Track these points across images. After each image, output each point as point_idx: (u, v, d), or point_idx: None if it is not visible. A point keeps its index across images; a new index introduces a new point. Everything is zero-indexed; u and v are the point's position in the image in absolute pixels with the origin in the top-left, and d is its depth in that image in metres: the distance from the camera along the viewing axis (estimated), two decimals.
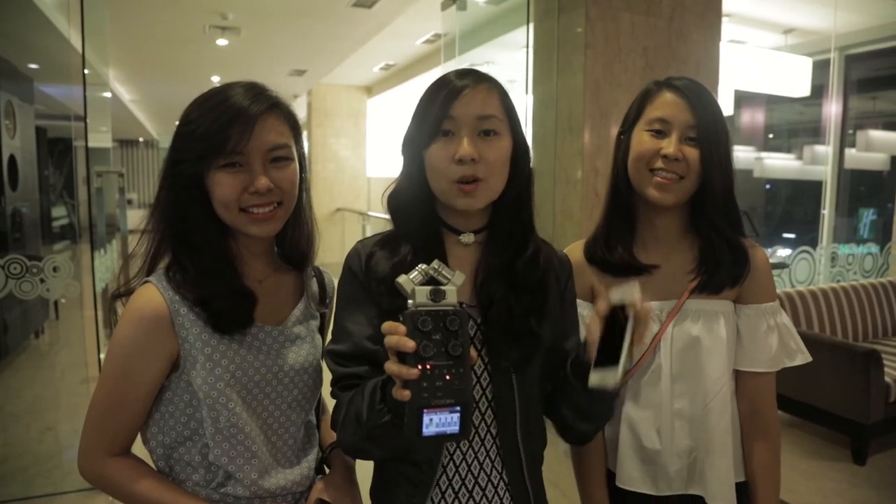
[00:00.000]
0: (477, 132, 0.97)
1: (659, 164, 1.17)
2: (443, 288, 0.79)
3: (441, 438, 0.77)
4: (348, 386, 0.99)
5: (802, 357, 1.25)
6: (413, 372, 0.75)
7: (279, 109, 1.02)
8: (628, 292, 0.93)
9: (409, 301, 0.79)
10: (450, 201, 1.00)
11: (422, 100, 1.02)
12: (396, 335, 0.77)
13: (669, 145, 1.16)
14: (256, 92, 1.01)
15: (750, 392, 1.25)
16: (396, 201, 1.06)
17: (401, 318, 0.78)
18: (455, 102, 0.97)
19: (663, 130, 1.18)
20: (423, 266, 0.81)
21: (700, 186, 1.18)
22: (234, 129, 0.96)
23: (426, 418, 0.75)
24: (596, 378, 0.92)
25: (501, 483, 1.03)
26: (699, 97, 1.18)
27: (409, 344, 0.75)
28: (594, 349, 0.94)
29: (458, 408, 0.76)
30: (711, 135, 1.16)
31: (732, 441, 1.23)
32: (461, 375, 0.76)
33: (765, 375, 1.24)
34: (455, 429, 0.76)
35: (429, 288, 0.78)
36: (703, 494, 1.21)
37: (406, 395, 0.75)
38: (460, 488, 1.02)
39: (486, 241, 1.06)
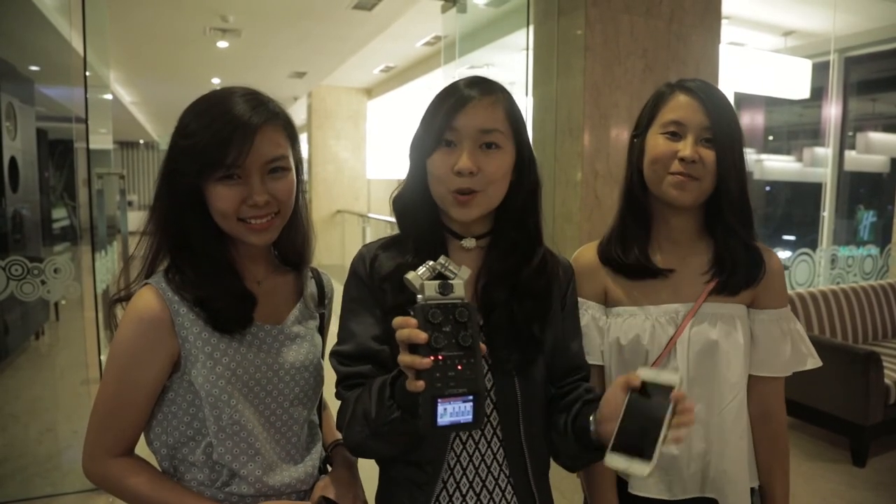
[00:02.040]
0: (478, 144, 0.98)
1: (676, 166, 1.16)
2: (450, 282, 0.81)
3: (455, 428, 0.79)
4: (353, 385, 1.00)
5: (813, 361, 1.26)
6: (426, 361, 0.77)
7: (278, 119, 1.02)
8: (668, 376, 0.87)
9: (419, 296, 0.81)
10: (447, 209, 1.01)
11: (431, 104, 1.03)
12: (408, 328, 0.79)
13: (686, 147, 1.16)
14: (255, 103, 1.00)
15: (761, 396, 1.25)
16: (402, 203, 1.08)
17: (411, 312, 0.80)
18: (459, 114, 0.98)
19: (678, 133, 1.18)
20: (431, 262, 0.84)
21: (716, 188, 1.18)
22: (234, 143, 0.96)
23: (440, 408, 0.77)
24: (618, 462, 0.86)
25: (508, 486, 1.04)
26: (713, 98, 1.18)
27: (422, 335, 0.77)
28: (611, 426, 0.89)
29: (471, 397, 0.78)
30: (726, 136, 1.16)
31: (747, 446, 1.24)
32: (472, 365, 0.78)
33: (776, 380, 1.25)
34: (469, 418, 0.78)
35: (437, 282, 0.81)
36: (717, 498, 1.21)
37: (420, 385, 0.77)
38: (467, 491, 1.03)
39: (489, 247, 1.07)
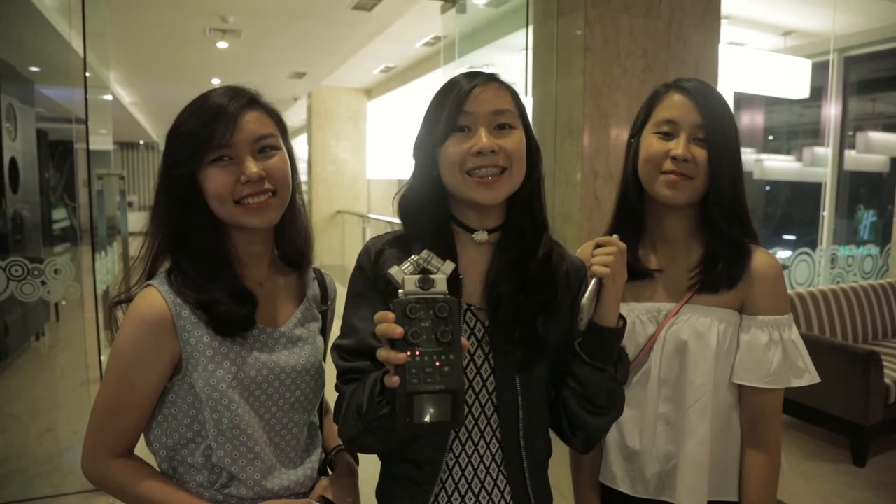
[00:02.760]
0: (493, 126, 0.98)
1: (668, 165, 1.16)
2: (432, 276, 0.80)
3: (433, 426, 0.77)
4: (351, 380, 1.00)
5: (810, 377, 1.20)
6: (400, 356, 0.76)
7: (259, 104, 1.05)
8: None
9: (399, 291, 0.80)
10: (469, 195, 0.99)
11: (432, 103, 1.03)
12: (386, 322, 0.78)
13: (678, 146, 1.15)
14: (236, 91, 1.04)
15: (750, 409, 1.21)
16: (407, 202, 1.06)
17: (391, 307, 0.79)
18: (470, 98, 0.97)
19: (671, 132, 1.17)
20: (414, 257, 0.83)
21: (708, 187, 1.18)
22: (219, 123, 0.99)
23: (416, 404, 0.76)
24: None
25: (507, 488, 1.04)
26: (707, 98, 1.17)
27: (398, 330, 0.76)
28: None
29: (449, 394, 0.76)
30: (720, 135, 1.15)
31: (719, 457, 1.20)
32: (451, 362, 0.77)
33: (767, 392, 1.19)
34: (447, 416, 0.77)
35: (417, 276, 0.80)
36: (674, 503, 1.20)
37: (396, 381, 0.76)
38: (466, 491, 1.03)
39: (499, 241, 1.06)
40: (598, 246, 1.06)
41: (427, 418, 0.76)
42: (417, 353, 0.76)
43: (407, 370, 0.76)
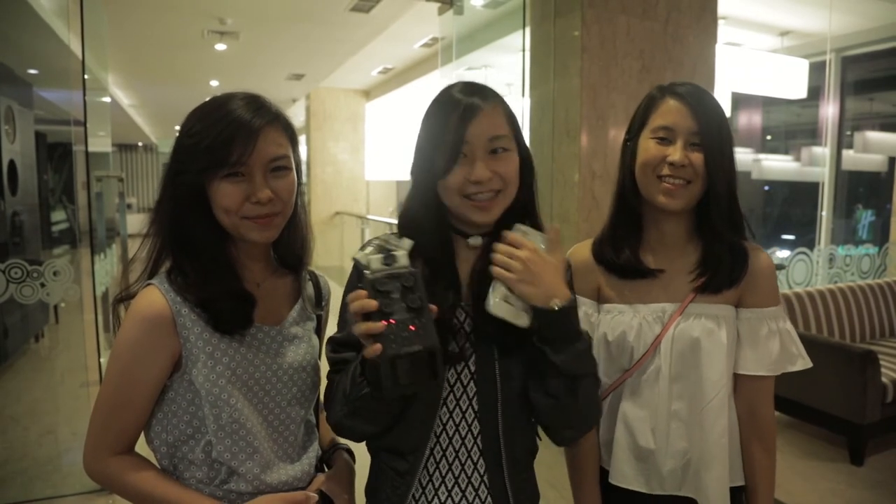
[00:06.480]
0: (489, 151, 1.01)
1: (666, 170, 1.20)
2: (393, 253, 0.89)
3: (418, 384, 0.85)
4: (341, 370, 1.04)
5: (803, 362, 1.27)
6: (378, 326, 0.83)
7: (279, 122, 1.05)
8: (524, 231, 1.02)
9: (366, 271, 0.87)
10: (466, 216, 1.04)
11: (430, 119, 1.04)
12: (359, 299, 0.84)
13: (675, 152, 1.19)
14: (258, 105, 1.03)
15: (748, 395, 1.26)
16: (408, 220, 1.08)
17: (360, 285, 0.87)
18: (469, 126, 1.00)
19: (668, 138, 1.21)
20: (375, 240, 0.92)
21: (705, 191, 1.21)
22: (238, 142, 0.99)
23: (399, 366, 0.83)
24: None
25: (484, 480, 1.06)
26: (701, 102, 1.21)
27: (372, 303, 0.84)
28: None
29: (426, 354, 0.83)
30: (715, 139, 1.19)
31: (729, 445, 1.24)
32: (423, 324, 0.85)
33: (764, 379, 1.26)
34: (427, 373, 0.84)
35: (381, 255, 0.88)
36: (695, 497, 1.23)
37: (377, 348, 0.83)
38: (451, 484, 1.05)
39: (493, 243, 1.07)
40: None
41: (411, 380, 0.83)
42: (392, 321, 0.84)
43: (385, 337, 0.83)
